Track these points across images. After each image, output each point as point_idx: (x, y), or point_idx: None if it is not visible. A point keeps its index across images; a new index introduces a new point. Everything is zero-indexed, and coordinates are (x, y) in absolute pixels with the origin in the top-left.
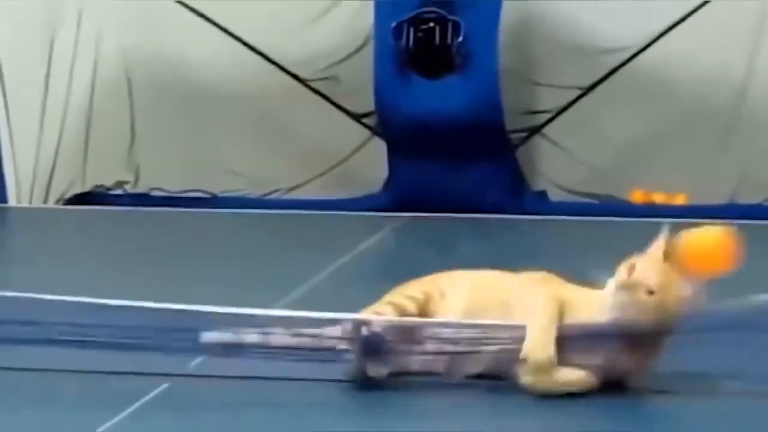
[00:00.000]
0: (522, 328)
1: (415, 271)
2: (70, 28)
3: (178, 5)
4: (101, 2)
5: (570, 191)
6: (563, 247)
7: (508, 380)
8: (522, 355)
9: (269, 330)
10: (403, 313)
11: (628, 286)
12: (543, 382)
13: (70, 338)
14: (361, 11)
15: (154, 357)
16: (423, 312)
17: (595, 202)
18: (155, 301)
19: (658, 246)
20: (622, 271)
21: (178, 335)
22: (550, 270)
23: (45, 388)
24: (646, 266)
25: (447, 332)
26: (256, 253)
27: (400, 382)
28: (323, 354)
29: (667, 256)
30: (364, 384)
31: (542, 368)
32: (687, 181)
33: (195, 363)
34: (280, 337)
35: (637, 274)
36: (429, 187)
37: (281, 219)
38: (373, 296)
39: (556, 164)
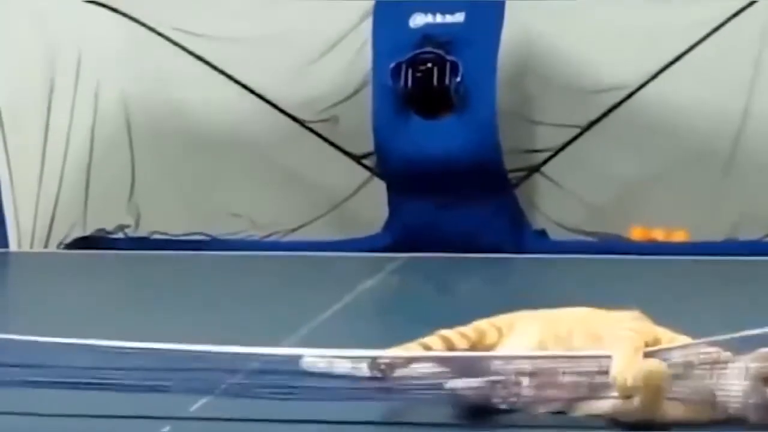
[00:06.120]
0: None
1: (416, 310)
2: (69, 75)
3: (176, 49)
4: (99, 48)
5: (570, 229)
6: (565, 285)
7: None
8: (610, 377)
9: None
10: (451, 347)
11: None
12: (630, 409)
13: (70, 381)
14: (360, 52)
15: (155, 399)
16: (477, 348)
17: (595, 240)
18: (158, 342)
19: None
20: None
21: (182, 376)
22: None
23: None
24: None
25: (517, 364)
26: (257, 295)
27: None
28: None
29: None
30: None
31: (629, 390)
32: (687, 217)
33: (196, 406)
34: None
35: None
36: (429, 227)
37: (281, 261)
38: (375, 335)
39: (556, 203)
